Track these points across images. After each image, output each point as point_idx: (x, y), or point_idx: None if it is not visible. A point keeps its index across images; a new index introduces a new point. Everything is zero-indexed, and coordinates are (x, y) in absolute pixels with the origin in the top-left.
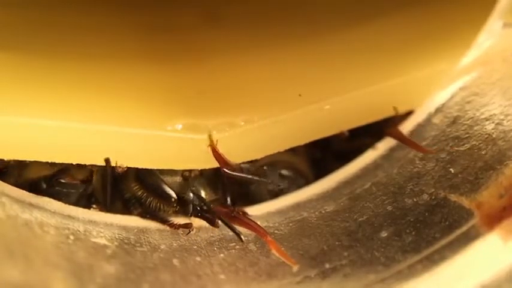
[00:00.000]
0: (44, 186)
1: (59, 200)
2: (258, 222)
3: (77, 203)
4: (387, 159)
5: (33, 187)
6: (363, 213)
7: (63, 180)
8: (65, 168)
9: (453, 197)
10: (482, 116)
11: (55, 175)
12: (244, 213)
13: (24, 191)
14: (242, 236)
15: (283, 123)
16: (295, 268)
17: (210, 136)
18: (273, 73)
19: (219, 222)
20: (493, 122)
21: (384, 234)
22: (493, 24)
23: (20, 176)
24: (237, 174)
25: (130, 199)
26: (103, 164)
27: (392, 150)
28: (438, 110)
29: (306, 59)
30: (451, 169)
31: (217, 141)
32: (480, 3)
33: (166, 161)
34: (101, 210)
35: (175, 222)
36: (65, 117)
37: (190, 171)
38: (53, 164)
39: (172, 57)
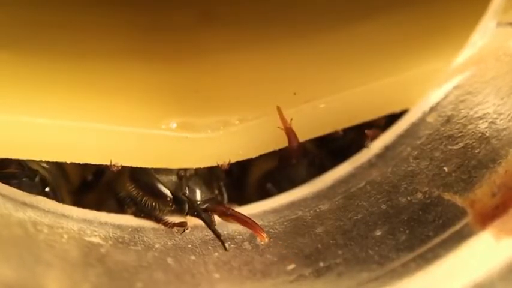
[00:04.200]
0: None
1: None
2: None
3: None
4: (382, 158)
5: None
6: (357, 212)
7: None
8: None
9: (447, 196)
10: (476, 115)
11: None
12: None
13: (17, 190)
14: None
15: (278, 122)
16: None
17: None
18: (268, 72)
19: (215, 221)
20: (486, 121)
21: (378, 232)
22: (487, 23)
23: None
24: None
25: (125, 198)
26: (99, 162)
27: (386, 149)
28: (432, 109)
29: (300, 58)
30: (444, 168)
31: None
32: (474, 2)
33: (161, 159)
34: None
35: (169, 221)
36: (61, 116)
37: (185, 170)
38: None
39: (166, 56)
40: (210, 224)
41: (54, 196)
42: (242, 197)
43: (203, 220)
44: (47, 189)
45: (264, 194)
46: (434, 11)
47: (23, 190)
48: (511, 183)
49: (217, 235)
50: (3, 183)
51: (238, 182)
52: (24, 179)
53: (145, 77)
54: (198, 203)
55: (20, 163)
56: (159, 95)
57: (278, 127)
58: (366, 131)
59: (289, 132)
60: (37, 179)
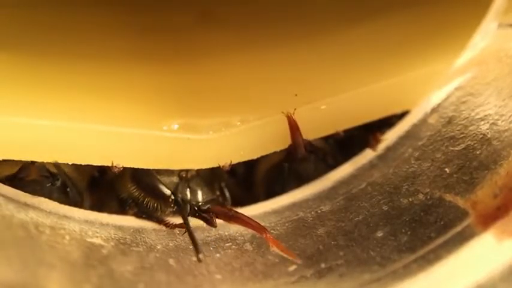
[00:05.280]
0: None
1: None
2: None
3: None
4: (383, 159)
5: None
6: (358, 213)
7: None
8: (25, 166)
9: (448, 197)
10: (477, 116)
11: (17, 174)
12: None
13: (19, 191)
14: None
15: (279, 123)
16: (297, 262)
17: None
18: (269, 73)
19: (217, 222)
20: (487, 122)
21: (379, 234)
22: (488, 24)
23: None
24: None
25: (127, 199)
26: (100, 164)
27: (388, 150)
28: (434, 110)
29: (301, 59)
30: (446, 169)
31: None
32: (475, 3)
33: (163, 161)
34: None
35: (171, 222)
36: (63, 117)
37: (187, 171)
38: (17, 162)
39: (167, 57)
40: (191, 231)
41: (76, 194)
42: (249, 197)
43: (204, 221)
44: (67, 189)
45: (271, 192)
46: (436, 12)
47: (45, 196)
48: None
49: (195, 243)
50: (25, 191)
51: (245, 181)
52: (47, 185)
53: (146, 78)
54: (200, 203)
55: (43, 167)
56: (160, 96)
57: (282, 112)
58: (377, 135)
59: (292, 126)
60: (58, 183)
